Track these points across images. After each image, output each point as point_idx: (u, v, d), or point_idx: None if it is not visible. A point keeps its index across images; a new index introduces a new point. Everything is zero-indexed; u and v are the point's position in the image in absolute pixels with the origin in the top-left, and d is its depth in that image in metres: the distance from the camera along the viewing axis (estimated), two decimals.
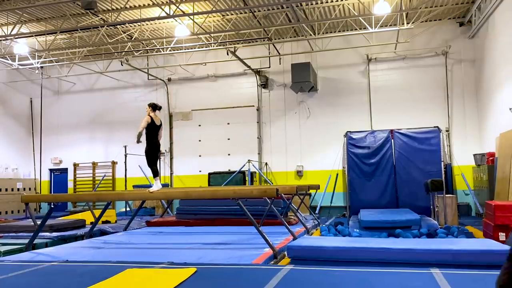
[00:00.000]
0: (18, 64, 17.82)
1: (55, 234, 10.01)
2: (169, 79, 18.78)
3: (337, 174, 15.59)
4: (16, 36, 15.11)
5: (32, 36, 15.76)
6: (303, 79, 15.73)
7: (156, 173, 9.01)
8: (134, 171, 17.68)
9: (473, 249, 6.24)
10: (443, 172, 13.34)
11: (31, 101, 20.27)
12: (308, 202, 14.50)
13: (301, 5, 14.10)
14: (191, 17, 13.97)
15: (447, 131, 15.52)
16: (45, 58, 17.72)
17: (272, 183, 16.35)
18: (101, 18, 14.77)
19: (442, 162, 13.53)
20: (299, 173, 16.92)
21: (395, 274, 5.62)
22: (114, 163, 19.07)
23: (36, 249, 8.75)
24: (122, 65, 18.20)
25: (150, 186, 16.36)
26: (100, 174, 18.99)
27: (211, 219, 11.74)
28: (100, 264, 6.60)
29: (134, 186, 17.06)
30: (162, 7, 12.88)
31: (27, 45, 16.47)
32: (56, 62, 18.07)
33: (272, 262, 6.89)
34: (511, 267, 2.14)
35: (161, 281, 5.34)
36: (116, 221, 13.12)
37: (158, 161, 9.52)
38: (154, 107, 9.49)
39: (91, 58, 18.15)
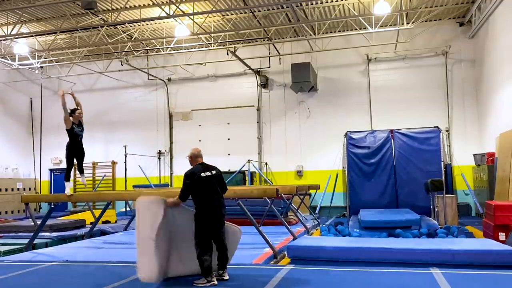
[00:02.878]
0: (18, 64, 17.81)
1: (55, 234, 10.02)
2: (169, 79, 18.77)
3: (337, 174, 15.59)
4: (16, 36, 15.11)
5: (32, 36, 15.75)
6: (303, 79, 15.72)
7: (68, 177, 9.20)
8: (134, 171, 17.67)
9: (473, 249, 6.25)
10: (443, 172, 13.34)
11: (31, 101, 20.26)
12: (308, 202, 14.50)
13: (301, 5, 14.09)
14: (191, 17, 13.96)
15: (447, 131, 15.52)
16: (45, 58, 17.71)
17: (272, 183, 16.34)
18: (101, 18, 14.76)
19: (442, 162, 13.53)
20: (299, 173, 16.92)
21: (395, 274, 5.62)
22: (114, 163, 19.06)
23: (36, 249, 8.76)
24: (122, 65, 18.20)
25: (150, 186, 16.44)
26: (100, 174, 18.98)
27: None
28: (100, 264, 6.60)
29: (134, 186, 17.04)
30: (162, 7, 12.87)
31: (27, 45, 16.46)
32: (56, 62, 18.06)
33: (272, 262, 6.90)
34: None
35: None
36: (116, 221, 13.11)
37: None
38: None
39: (91, 58, 18.14)
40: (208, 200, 5.36)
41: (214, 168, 5.61)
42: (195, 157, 5.61)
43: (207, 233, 5.27)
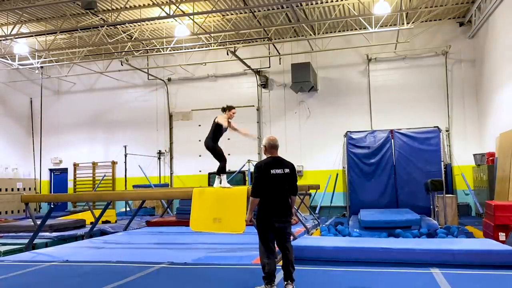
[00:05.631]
0: (18, 64, 17.81)
1: (55, 234, 10.01)
2: (169, 79, 18.77)
3: (337, 174, 15.58)
4: (16, 36, 15.10)
5: (32, 36, 15.75)
6: (303, 79, 15.71)
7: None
8: (134, 171, 17.67)
9: (473, 249, 6.25)
10: (443, 172, 13.34)
11: (31, 101, 20.26)
12: (308, 202, 14.50)
13: (301, 5, 14.09)
14: (191, 17, 13.96)
15: (447, 131, 15.51)
16: (45, 58, 17.71)
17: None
18: (101, 18, 14.76)
19: (442, 162, 13.53)
20: (299, 173, 16.89)
21: (395, 274, 5.62)
22: (114, 163, 19.07)
23: (36, 249, 8.76)
24: (122, 65, 18.20)
25: (150, 186, 16.44)
26: (100, 174, 18.98)
27: None
28: (100, 264, 6.60)
29: (134, 186, 17.05)
30: (162, 7, 12.87)
31: (27, 45, 16.45)
32: (56, 62, 18.06)
33: None
34: None
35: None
36: (116, 221, 13.11)
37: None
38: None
39: (91, 58, 18.14)
40: (272, 201, 4.80)
41: (288, 165, 4.93)
42: (269, 148, 4.98)
43: (267, 236, 4.79)
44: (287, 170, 4.88)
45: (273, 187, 4.80)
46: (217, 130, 7.93)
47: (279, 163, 4.89)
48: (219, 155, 7.87)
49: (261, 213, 4.82)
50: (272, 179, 4.79)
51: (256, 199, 4.82)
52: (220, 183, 7.70)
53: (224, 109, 8.18)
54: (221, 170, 7.75)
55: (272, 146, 4.98)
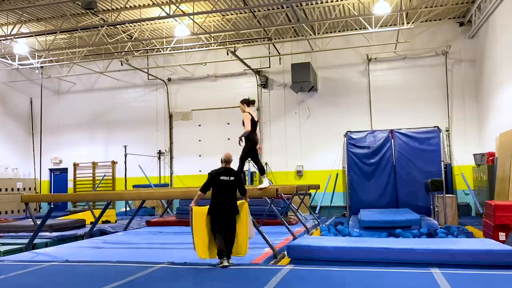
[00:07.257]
0: (18, 64, 17.81)
1: (55, 234, 10.01)
2: (169, 79, 18.77)
3: (337, 174, 15.58)
4: (16, 36, 15.10)
5: (32, 36, 15.75)
6: (303, 79, 15.71)
7: (263, 170, 8.54)
8: (134, 171, 17.67)
9: (473, 249, 6.24)
10: (443, 172, 13.34)
11: (31, 101, 20.26)
12: (308, 202, 14.50)
13: (301, 5, 14.09)
14: (191, 17, 13.96)
15: (447, 131, 15.51)
16: (45, 58, 17.71)
17: (272, 183, 16.31)
18: (101, 18, 14.76)
19: (442, 162, 13.54)
20: (299, 173, 16.91)
21: (395, 274, 5.62)
22: (114, 163, 19.07)
23: (36, 249, 8.76)
24: (122, 65, 18.19)
25: (150, 186, 16.43)
26: (100, 174, 18.98)
27: None
28: (100, 264, 6.60)
29: (134, 186, 17.05)
30: (162, 7, 12.87)
31: (27, 45, 16.46)
32: (56, 62, 18.06)
33: (272, 262, 6.90)
34: None
35: None
36: (116, 221, 13.11)
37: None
38: (248, 102, 8.79)
39: (91, 58, 18.14)
40: (218, 199, 6.33)
41: (233, 174, 6.49)
42: (223, 161, 6.56)
43: (215, 225, 6.28)
44: (232, 178, 6.44)
45: (221, 190, 6.34)
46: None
47: (227, 172, 6.47)
48: (241, 159, 8.58)
49: (212, 209, 6.33)
50: (221, 184, 6.36)
51: (202, 194, 6.44)
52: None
53: (247, 103, 8.68)
54: (261, 170, 8.47)
55: (225, 160, 6.56)
